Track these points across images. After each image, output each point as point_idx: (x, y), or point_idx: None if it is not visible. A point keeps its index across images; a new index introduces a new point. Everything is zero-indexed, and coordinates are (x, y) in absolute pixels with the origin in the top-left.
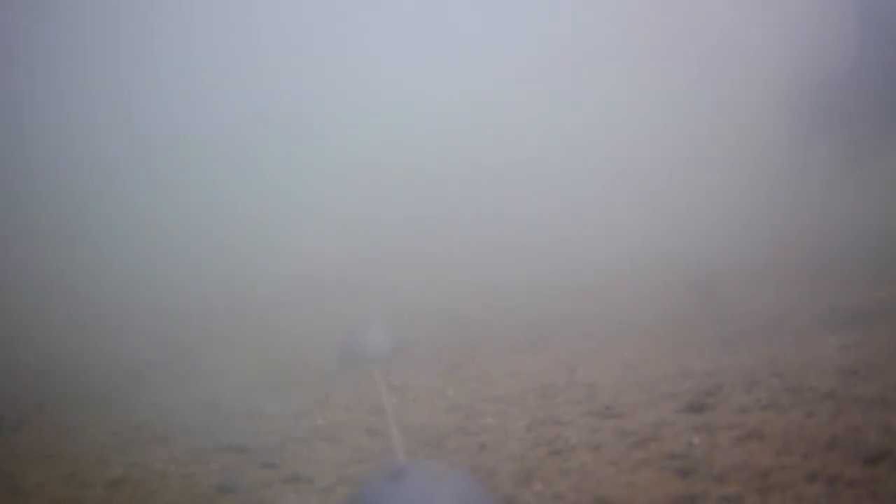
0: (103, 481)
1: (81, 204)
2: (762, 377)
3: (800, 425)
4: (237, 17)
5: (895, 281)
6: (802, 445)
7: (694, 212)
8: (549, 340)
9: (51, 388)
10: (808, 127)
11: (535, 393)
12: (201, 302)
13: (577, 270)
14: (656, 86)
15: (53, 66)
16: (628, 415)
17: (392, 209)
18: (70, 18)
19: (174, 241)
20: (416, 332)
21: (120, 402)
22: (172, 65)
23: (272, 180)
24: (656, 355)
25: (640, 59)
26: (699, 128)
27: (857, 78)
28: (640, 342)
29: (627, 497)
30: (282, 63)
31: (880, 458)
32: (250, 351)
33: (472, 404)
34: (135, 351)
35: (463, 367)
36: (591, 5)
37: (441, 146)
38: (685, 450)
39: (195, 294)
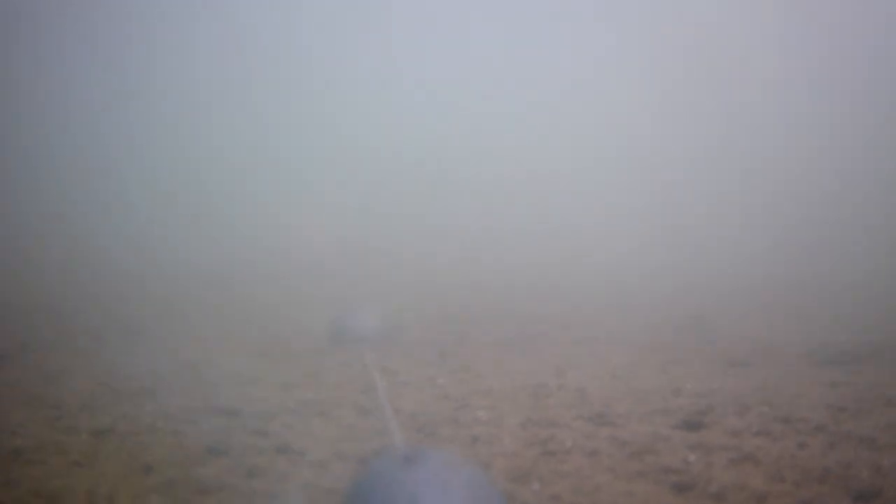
0: (90, 429)
1: (91, 148)
2: (753, 403)
3: (793, 454)
4: (243, 12)
5: (884, 326)
6: (796, 474)
7: (692, 230)
8: (537, 341)
9: (36, 329)
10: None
11: (526, 392)
12: (199, 269)
13: (568, 273)
14: (658, 99)
15: (55, 63)
16: (622, 425)
17: (394, 202)
18: (71, 16)
19: (184, 211)
20: (406, 318)
21: (107, 352)
22: (181, 57)
23: (280, 168)
24: (645, 369)
25: (642, 69)
26: (700, 148)
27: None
28: (628, 353)
29: None
30: (291, 59)
31: (872, 497)
32: (241, 320)
33: (463, 396)
34: (126, 302)
35: (451, 357)
36: (592, 10)
37: (442, 144)
38: (681, 465)
39: (194, 262)
